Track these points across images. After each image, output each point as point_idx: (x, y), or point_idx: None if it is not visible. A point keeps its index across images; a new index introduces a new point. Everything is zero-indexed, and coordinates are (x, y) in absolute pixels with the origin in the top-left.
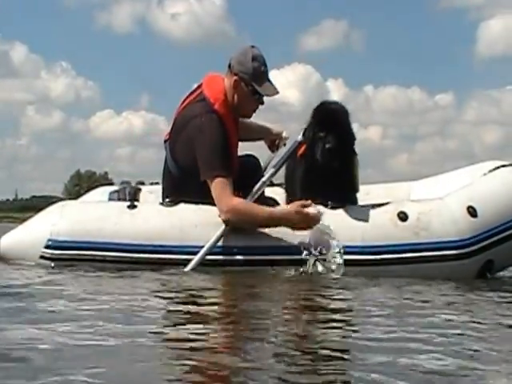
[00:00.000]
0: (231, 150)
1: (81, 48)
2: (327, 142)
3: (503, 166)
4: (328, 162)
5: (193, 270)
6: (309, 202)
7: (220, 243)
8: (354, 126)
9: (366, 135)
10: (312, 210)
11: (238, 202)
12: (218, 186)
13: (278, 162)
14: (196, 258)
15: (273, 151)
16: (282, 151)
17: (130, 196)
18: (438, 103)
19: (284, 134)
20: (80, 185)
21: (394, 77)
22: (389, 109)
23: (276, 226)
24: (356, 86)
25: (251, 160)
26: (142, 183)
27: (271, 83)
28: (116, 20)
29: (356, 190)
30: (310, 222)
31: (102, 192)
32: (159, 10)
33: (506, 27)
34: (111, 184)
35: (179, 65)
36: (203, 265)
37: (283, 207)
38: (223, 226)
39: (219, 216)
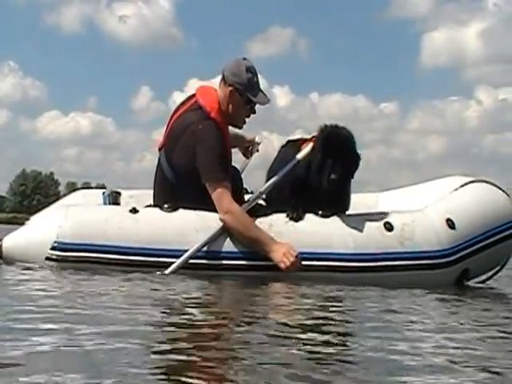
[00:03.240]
0: (227, 156)
1: (29, 48)
2: (333, 172)
3: (473, 181)
4: (331, 190)
5: (173, 273)
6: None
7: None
8: (299, 133)
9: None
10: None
11: (237, 208)
12: (219, 189)
13: (277, 177)
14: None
15: (247, 157)
16: (281, 171)
17: (113, 199)
18: (382, 111)
19: (257, 140)
20: (26, 184)
21: (340, 84)
22: (334, 116)
23: (257, 248)
24: (302, 92)
25: (232, 170)
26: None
27: (263, 92)
28: (64, 21)
29: (348, 201)
30: (290, 267)
31: (82, 195)
32: (108, 11)
33: (449, 39)
34: (94, 188)
35: (127, 67)
36: (186, 268)
37: (275, 240)
38: (220, 225)
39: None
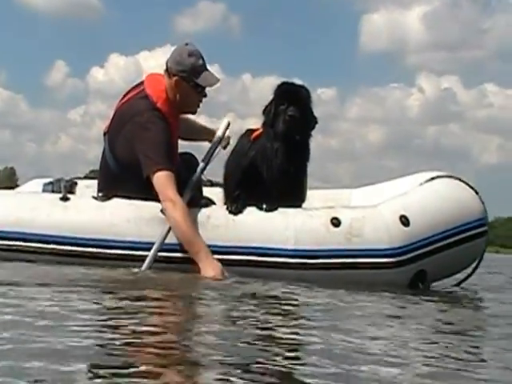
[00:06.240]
0: (173, 147)
1: None
2: (289, 111)
3: (438, 176)
4: (289, 130)
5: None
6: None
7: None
8: (230, 116)
9: (242, 127)
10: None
11: (180, 200)
12: (162, 179)
13: (206, 156)
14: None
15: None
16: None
17: (66, 189)
18: (320, 97)
19: (228, 134)
20: None
21: (274, 66)
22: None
23: (189, 251)
24: (233, 73)
25: (189, 157)
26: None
27: (211, 73)
28: None
29: (304, 193)
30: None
31: (37, 183)
32: None
33: (390, 22)
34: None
35: (40, 39)
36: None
37: (209, 256)
38: None
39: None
